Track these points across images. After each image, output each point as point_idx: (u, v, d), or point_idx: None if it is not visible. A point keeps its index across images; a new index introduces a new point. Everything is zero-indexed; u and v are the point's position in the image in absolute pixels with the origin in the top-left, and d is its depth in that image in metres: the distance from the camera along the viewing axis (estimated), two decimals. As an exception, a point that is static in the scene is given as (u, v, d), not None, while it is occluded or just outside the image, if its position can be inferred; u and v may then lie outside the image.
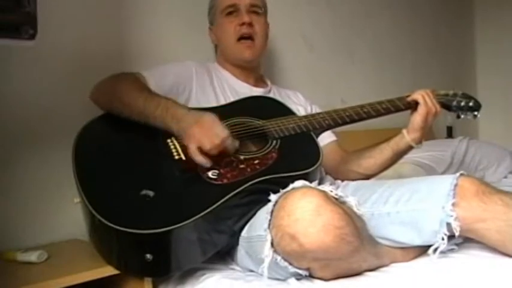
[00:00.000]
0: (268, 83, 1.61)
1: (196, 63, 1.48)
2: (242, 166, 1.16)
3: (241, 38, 1.48)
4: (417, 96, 1.35)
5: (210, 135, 1.12)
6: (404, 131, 1.36)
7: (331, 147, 1.51)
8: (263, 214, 1.03)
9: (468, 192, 1.04)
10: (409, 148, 1.37)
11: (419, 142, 1.35)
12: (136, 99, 1.20)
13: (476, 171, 2.12)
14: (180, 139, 1.19)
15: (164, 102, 1.19)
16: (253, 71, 1.56)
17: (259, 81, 1.58)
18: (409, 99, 1.37)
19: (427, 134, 2.50)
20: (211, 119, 1.15)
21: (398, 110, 1.37)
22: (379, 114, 1.37)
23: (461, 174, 1.08)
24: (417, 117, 1.33)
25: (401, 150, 1.37)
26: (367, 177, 1.42)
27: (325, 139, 1.48)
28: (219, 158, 1.15)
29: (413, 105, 1.35)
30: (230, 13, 1.50)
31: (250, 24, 1.48)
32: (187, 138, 1.13)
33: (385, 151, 1.39)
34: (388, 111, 1.37)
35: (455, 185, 1.05)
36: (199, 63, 1.49)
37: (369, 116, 1.36)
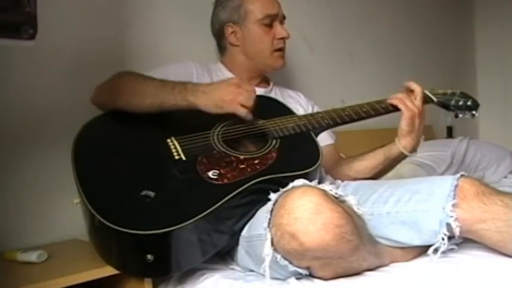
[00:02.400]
0: (271, 83, 1.61)
1: (197, 63, 1.48)
2: (242, 166, 1.16)
3: (277, 50, 1.51)
4: (394, 101, 1.32)
5: (246, 90, 1.18)
6: (396, 138, 1.34)
7: (326, 150, 1.50)
8: (263, 213, 1.03)
9: (468, 193, 1.04)
10: (402, 155, 1.34)
11: (411, 150, 1.33)
12: (149, 85, 1.22)
13: (476, 171, 2.12)
14: (180, 139, 1.20)
15: (179, 83, 1.22)
16: (262, 75, 1.58)
17: (261, 82, 1.58)
18: (387, 102, 1.35)
19: (427, 134, 2.51)
20: (235, 78, 1.25)
21: (397, 109, 1.37)
22: (378, 113, 1.36)
23: (461, 175, 1.08)
24: (402, 123, 1.31)
25: (393, 157, 1.36)
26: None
27: (322, 142, 1.48)
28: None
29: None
30: (267, 23, 1.50)
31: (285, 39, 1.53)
32: (226, 104, 1.17)
33: (377, 155, 1.39)
34: (387, 111, 1.37)
35: (456, 186, 1.05)
36: (199, 63, 1.49)
37: (368, 116, 1.36)
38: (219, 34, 1.58)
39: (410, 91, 1.35)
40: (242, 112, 1.19)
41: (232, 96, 1.18)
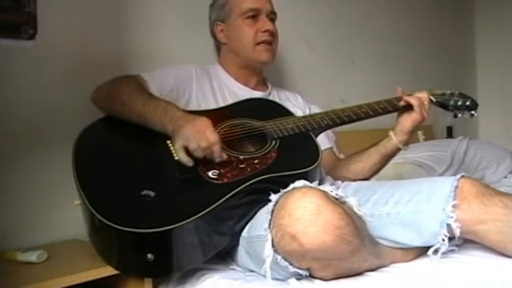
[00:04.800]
0: (269, 85, 1.61)
1: (196, 65, 1.48)
2: (242, 166, 1.16)
3: (261, 43, 1.49)
4: (413, 101, 1.34)
5: (199, 137, 1.11)
6: (391, 133, 1.36)
7: (324, 153, 1.50)
8: (263, 214, 1.03)
9: (469, 194, 1.04)
10: (397, 150, 1.37)
11: (406, 144, 1.37)
12: (136, 101, 1.20)
13: (476, 171, 2.12)
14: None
15: (163, 105, 1.19)
16: (257, 74, 1.57)
17: (260, 84, 1.58)
18: (404, 101, 1.35)
19: (427, 134, 2.52)
20: (205, 122, 1.14)
21: (396, 109, 1.38)
22: (377, 114, 1.37)
23: (462, 176, 1.08)
24: (408, 122, 1.34)
25: (389, 153, 1.38)
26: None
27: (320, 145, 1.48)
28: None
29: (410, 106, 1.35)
30: (250, 17, 1.49)
31: (272, 32, 1.50)
32: (176, 136, 1.13)
33: (373, 155, 1.40)
34: (386, 111, 1.37)
35: (456, 187, 1.05)
36: (199, 65, 1.49)
37: (367, 116, 1.36)
38: (213, 35, 1.61)
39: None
40: (179, 152, 1.13)
41: (187, 135, 1.11)
